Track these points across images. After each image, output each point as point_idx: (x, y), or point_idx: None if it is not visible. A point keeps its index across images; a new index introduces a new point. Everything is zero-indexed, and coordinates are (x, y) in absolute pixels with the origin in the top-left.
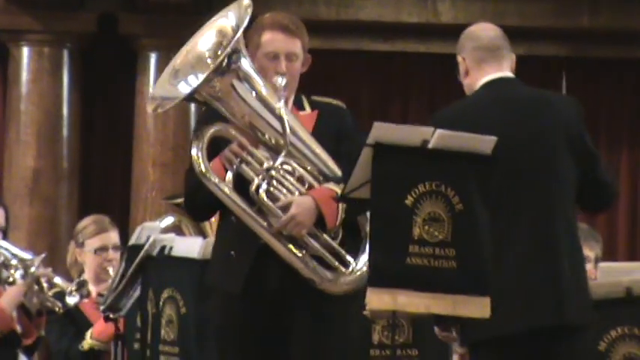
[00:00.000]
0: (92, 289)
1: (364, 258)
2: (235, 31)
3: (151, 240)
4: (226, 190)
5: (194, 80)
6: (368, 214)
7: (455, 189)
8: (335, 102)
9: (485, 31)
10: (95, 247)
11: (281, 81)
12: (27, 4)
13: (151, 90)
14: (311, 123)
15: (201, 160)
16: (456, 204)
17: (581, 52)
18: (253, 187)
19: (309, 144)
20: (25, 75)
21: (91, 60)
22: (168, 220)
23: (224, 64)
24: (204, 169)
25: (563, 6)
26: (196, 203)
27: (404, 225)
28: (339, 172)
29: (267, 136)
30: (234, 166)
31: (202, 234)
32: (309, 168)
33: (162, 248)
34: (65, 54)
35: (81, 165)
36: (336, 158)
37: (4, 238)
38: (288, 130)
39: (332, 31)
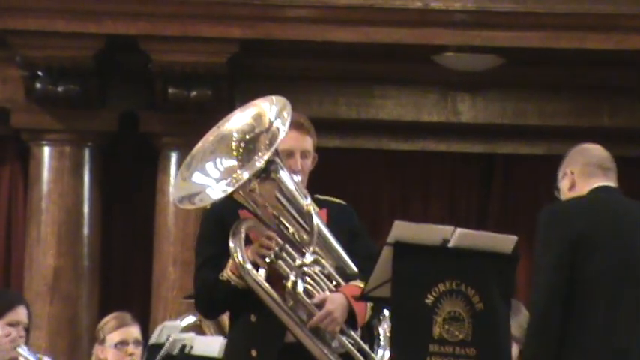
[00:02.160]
0: None
1: (381, 354)
2: (276, 131)
3: (171, 339)
4: (265, 284)
5: (226, 174)
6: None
7: (475, 288)
8: (339, 201)
9: (597, 150)
10: (116, 341)
11: (296, 178)
12: (48, 103)
13: (172, 188)
14: (324, 221)
15: (239, 253)
16: (476, 303)
17: None
18: (289, 284)
19: (331, 241)
20: (46, 174)
21: (112, 158)
22: (189, 319)
23: (264, 167)
24: (242, 262)
25: (582, 106)
26: (212, 301)
27: (424, 324)
28: (355, 269)
29: (290, 231)
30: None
31: (222, 333)
32: (333, 264)
33: (183, 347)
34: (86, 153)
35: (101, 263)
36: (350, 255)
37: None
38: (315, 226)
39: (352, 130)
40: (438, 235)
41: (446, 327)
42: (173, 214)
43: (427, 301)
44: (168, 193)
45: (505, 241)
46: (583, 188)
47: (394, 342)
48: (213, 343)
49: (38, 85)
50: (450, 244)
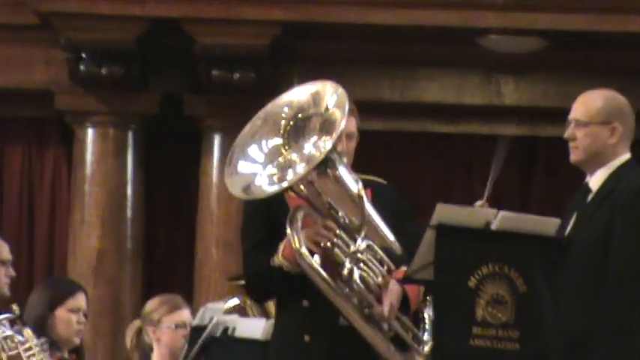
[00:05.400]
0: None
1: (427, 337)
2: (334, 120)
3: (214, 321)
4: (321, 271)
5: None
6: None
7: (518, 270)
8: (380, 180)
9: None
10: (174, 322)
11: (344, 160)
12: (91, 85)
13: (224, 173)
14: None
15: (297, 239)
16: (519, 286)
17: None
18: (346, 272)
19: (379, 223)
20: (89, 157)
21: (155, 141)
22: (233, 301)
23: (323, 160)
24: (299, 248)
25: (626, 88)
26: (265, 286)
27: (467, 307)
28: (400, 250)
29: (340, 215)
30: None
31: (266, 315)
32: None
33: (226, 329)
34: (130, 135)
35: (144, 246)
36: (397, 235)
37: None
38: (366, 212)
39: (395, 112)
40: (480, 217)
41: (489, 309)
42: (216, 195)
43: (470, 283)
44: (211, 175)
45: (548, 224)
46: (621, 149)
47: (437, 325)
48: (256, 326)
49: (82, 68)
50: (493, 227)
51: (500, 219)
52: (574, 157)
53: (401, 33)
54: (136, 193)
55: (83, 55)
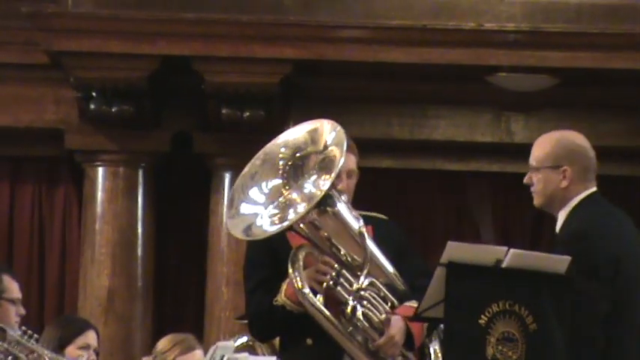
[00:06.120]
0: None
1: None
2: (333, 158)
3: (225, 359)
4: (324, 310)
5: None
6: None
7: (529, 308)
8: (381, 216)
9: (590, 150)
10: None
11: (344, 198)
12: (102, 124)
13: (225, 215)
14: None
15: (299, 279)
16: (529, 324)
17: None
18: (349, 310)
19: (381, 259)
20: (100, 195)
21: (165, 179)
22: (242, 339)
23: (322, 199)
24: (302, 287)
25: (637, 126)
26: (267, 325)
27: (477, 345)
28: (403, 287)
29: (342, 253)
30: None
31: (275, 353)
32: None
33: None
34: (140, 173)
35: (155, 284)
36: (399, 272)
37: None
38: (368, 249)
39: (406, 150)
40: (491, 255)
41: (499, 347)
42: (226, 234)
43: (480, 321)
44: (221, 214)
45: (559, 262)
46: (577, 188)
47: None
48: None
49: (92, 106)
50: (504, 265)
51: (511, 257)
52: (535, 201)
53: (411, 71)
54: (146, 231)
55: (93, 94)
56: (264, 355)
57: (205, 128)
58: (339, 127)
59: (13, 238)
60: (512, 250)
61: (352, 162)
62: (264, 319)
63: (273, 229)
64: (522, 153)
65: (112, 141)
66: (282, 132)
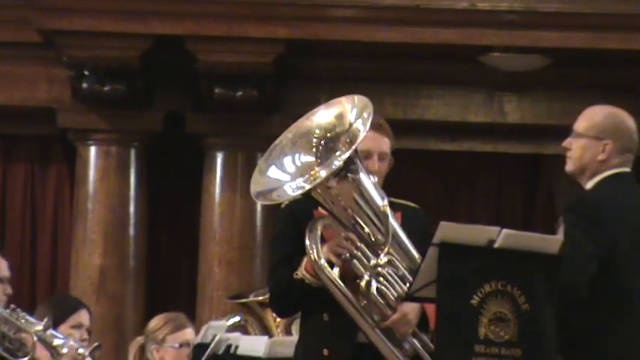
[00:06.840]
0: None
1: None
2: (357, 131)
3: (216, 339)
4: (339, 282)
5: (304, 171)
6: None
7: (521, 289)
8: (413, 205)
9: (636, 134)
10: (180, 341)
11: (373, 179)
12: (94, 103)
13: (251, 182)
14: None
15: (315, 250)
16: (522, 304)
17: None
18: (363, 283)
19: (406, 243)
20: (92, 174)
21: (158, 158)
22: (235, 319)
23: (343, 166)
24: (318, 259)
25: (629, 106)
26: (286, 299)
27: (470, 325)
28: None
29: (366, 231)
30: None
31: (267, 333)
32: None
33: (228, 347)
34: (132, 153)
35: (147, 263)
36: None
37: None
38: (391, 228)
39: (398, 130)
40: (483, 235)
41: (491, 328)
42: (218, 214)
43: (473, 301)
44: (213, 193)
45: (551, 242)
46: (612, 164)
47: (439, 343)
48: (258, 343)
49: (84, 85)
50: (496, 245)
51: (503, 237)
52: (567, 167)
53: (404, 51)
54: (138, 211)
55: (86, 73)
56: (256, 334)
57: (198, 108)
58: (357, 99)
59: (5, 216)
60: (504, 231)
61: (385, 144)
62: (284, 292)
63: (291, 194)
64: (515, 133)
65: (104, 120)
66: (274, 112)
